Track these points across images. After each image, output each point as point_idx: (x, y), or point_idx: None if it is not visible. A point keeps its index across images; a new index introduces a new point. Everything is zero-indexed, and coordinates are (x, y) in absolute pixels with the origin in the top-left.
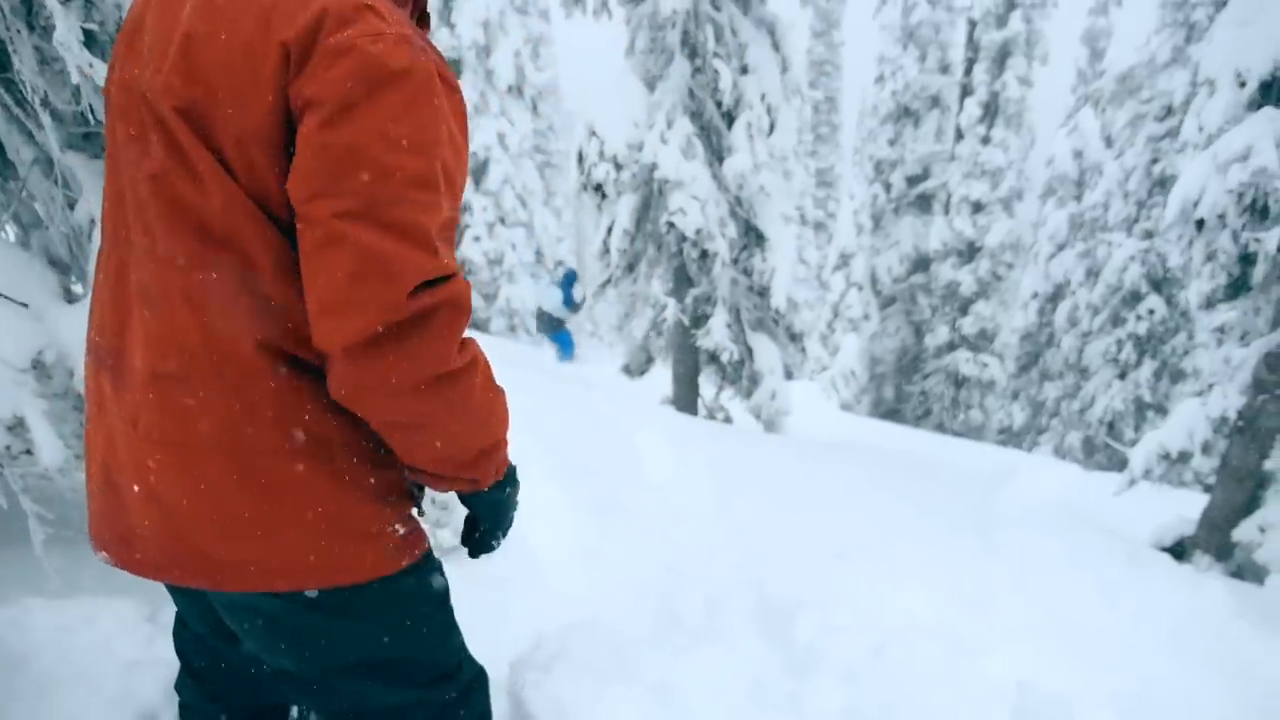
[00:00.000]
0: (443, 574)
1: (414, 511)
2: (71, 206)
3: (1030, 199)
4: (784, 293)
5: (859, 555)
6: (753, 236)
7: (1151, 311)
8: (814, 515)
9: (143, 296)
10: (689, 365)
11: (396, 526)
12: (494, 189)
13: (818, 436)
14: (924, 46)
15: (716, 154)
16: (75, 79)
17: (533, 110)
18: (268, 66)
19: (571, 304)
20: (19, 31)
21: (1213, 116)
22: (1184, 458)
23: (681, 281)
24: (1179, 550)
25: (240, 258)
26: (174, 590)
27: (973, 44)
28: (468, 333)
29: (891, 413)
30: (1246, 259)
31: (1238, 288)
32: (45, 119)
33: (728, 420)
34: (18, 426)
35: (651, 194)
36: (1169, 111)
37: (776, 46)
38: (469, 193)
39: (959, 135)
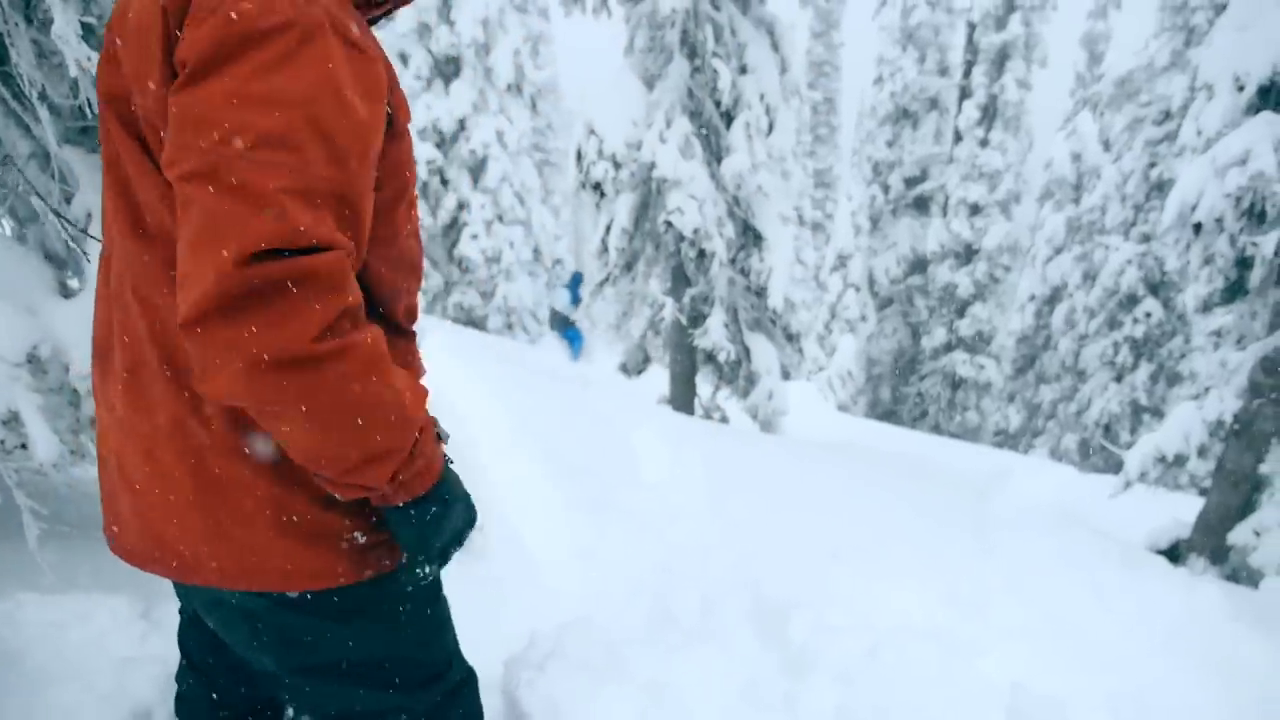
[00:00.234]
0: (432, 585)
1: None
2: (69, 200)
3: (1028, 202)
4: (781, 293)
5: (854, 556)
6: (750, 236)
7: (1148, 315)
8: (809, 515)
9: (118, 291)
10: (686, 365)
11: (356, 535)
12: (492, 187)
13: (814, 437)
14: (923, 48)
15: (715, 154)
16: (73, 72)
17: (531, 108)
18: (154, 38)
19: (579, 302)
20: (17, 24)
21: (1211, 120)
22: (1180, 461)
23: (679, 281)
24: (1174, 553)
25: (170, 250)
26: (175, 583)
27: (972, 46)
28: (471, 331)
29: (888, 414)
30: (1244, 263)
31: (1234, 291)
32: (43, 113)
33: (724, 420)
34: (12, 421)
35: (650, 193)
36: (1167, 115)
37: (775, 47)
38: (467, 190)
39: (957, 137)
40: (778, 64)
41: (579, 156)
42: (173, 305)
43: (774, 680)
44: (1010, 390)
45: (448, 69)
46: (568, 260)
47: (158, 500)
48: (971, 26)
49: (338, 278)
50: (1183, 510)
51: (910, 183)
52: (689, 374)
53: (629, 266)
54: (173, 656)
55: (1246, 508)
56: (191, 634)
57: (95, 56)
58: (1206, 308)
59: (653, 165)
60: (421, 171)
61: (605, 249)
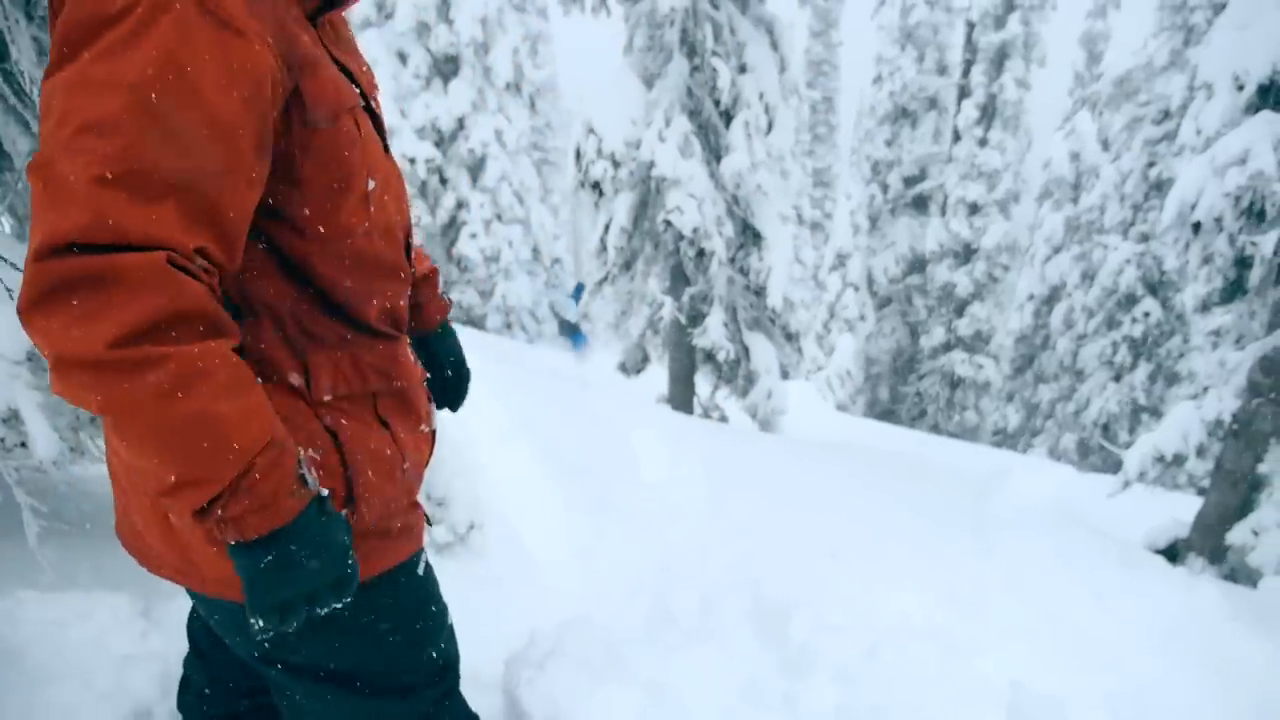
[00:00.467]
0: (418, 589)
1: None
2: None
3: (1027, 201)
4: (780, 292)
5: (853, 555)
6: (750, 235)
7: (1147, 314)
8: (809, 515)
9: None
10: (685, 364)
11: None
12: (491, 186)
13: (813, 436)
14: (922, 47)
15: (714, 153)
16: None
17: (530, 107)
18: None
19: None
20: (17, 21)
21: (1210, 120)
22: (1178, 460)
23: (678, 280)
24: (1172, 552)
25: None
26: None
27: (971, 45)
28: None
29: (887, 413)
30: (1243, 262)
31: (1233, 291)
32: None
33: (723, 419)
34: (12, 419)
35: (649, 192)
36: (1166, 115)
37: (775, 46)
38: (465, 189)
39: (956, 137)
40: (777, 63)
41: (578, 155)
42: None
43: (773, 680)
44: (1009, 390)
45: (446, 68)
46: (566, 260)
47: (131, 495)
48: (970, 26)
49: (154, 279)
50: (1181, 510)
51: (909, 182)
52: (688, 373)
53: (628, 265)
54: (173, 655)
55: (1245, 507)
56: (198, 622)
57: None
58: (1205, 307)
59: (652, 164)
60: (420, 170)
61: (604, 248)
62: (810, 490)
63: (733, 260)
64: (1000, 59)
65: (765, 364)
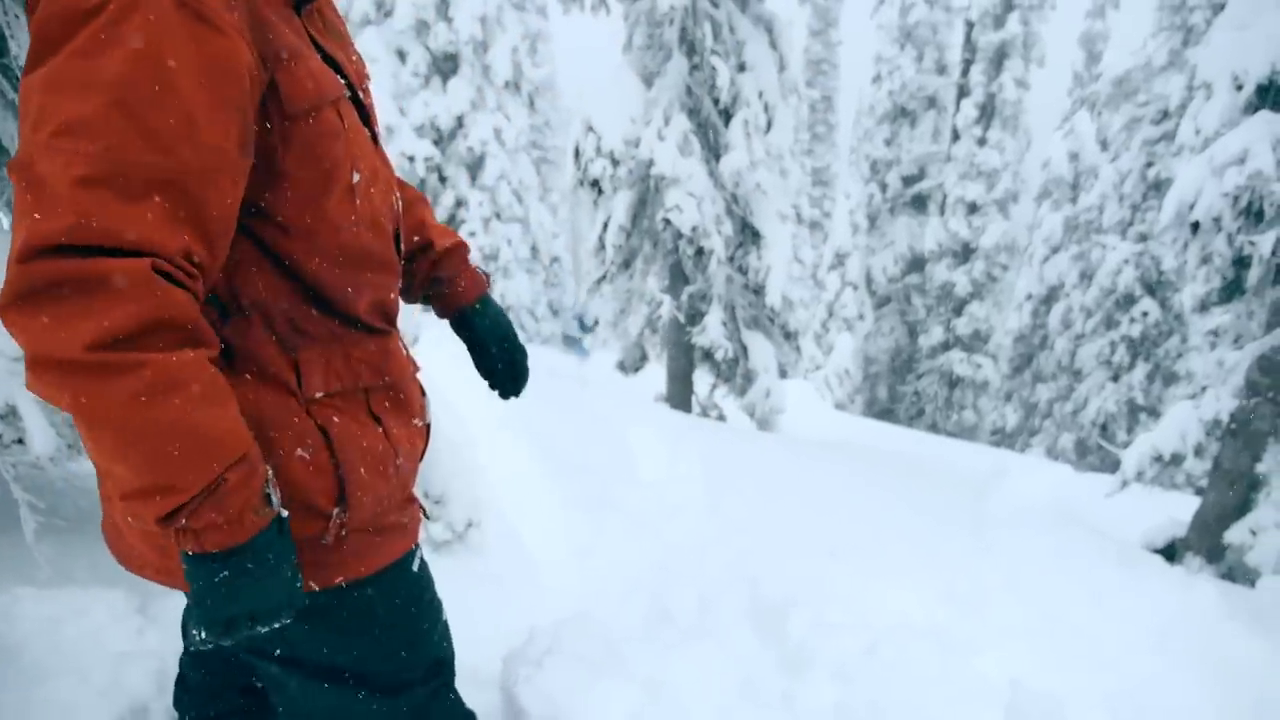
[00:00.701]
0: (413, 585)
1: (327, 537)
2: None
3: (1025, 201)
4: (779, 291)
5: (852, 554)
6: (749, 234)
7: (1145, 314)
8: (807, 513)
9: None
10: (683, 362)
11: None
12: (490, 184)
13: (811, 435)
14: (921, 47)
15: (713, 151)
16: None
17: (529, 106)
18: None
19: (585, 328)
20: (16, 16)
21: (1209, 120)
22: (1176, 460)
23: (677, 278)
24: (1170, 552)
25: None
26: None
27: (970, 45)
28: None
29: (885, 412)
30: (1241, 262)
31: (1232, 291)
32: None
33: (722, 418)
34: (10, 415)
35: (648, 190)
36: (1165, 115)
37: (774, 44)
38: (465, 188)
39: (955, 136)
40: (776, 62)
41: (577, 154)
42: None
43: (772, 678)
44: (1007, 389)
45: (446, 66)
46: (565, 258)
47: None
48: (970, 25)
49: (136, 285)
50: (1179, 509)
51: (908, 181)
52: (686, 372)
53: (627, 264)
54: (169, 651)
55: (1243, 507)
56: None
57: None
58: (1204, 307)
59: (651, 163)
60: (419, 168)
61: (603, 246)
62: (808, 489)
63: (731, 259)
64: (999, 58)
65: (764, 363)
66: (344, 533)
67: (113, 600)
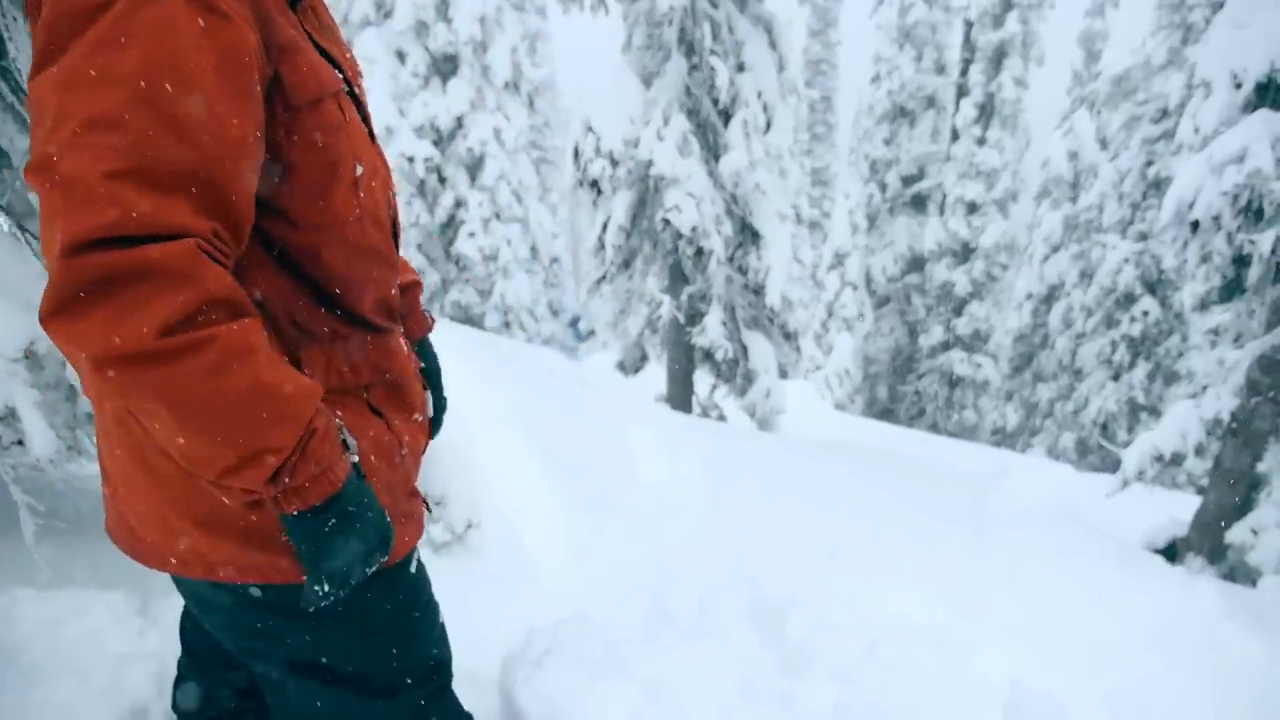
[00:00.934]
0: (410, 586)
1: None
2: None
3: (1025, 200)
4: (779, 291)
5: (852, 554)
6: (748, 234)
7: (1145, 313)
8: (807, 514)
9: None
10: (684, 363)
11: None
12: (489, 184)
13: (811, 435)
14: (920, 47)
15: (713, 151)
16: None
17: (529, 106)
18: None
19: (580, 337)
20: (15, 19)
21: (1208, 118)
22: (1177, 459)
23: (677, 279)
24: (1171, 552)
25: None
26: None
27: (969, 44)
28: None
29: (885, 412)
30: (1241, 261)
31: (1232, 290)
32: None
33: (722, 418)
34: (9, 417)
35: (647, 190)
36: (1164, 114)
37: (773, 44)
38: (464, 188)
39: (954, 136)
40: (775, 62)
41: (576, 154)
42: None
43: (771, 678)
44: (1008, 389)
45: (445, 67)
46: (565, 258)
47: (121, 488)
48: (969, 25)
49: (186, 267)
50: (1180, 509)
51: (907, 181)
52: (686, 372)
53: (626, 264)
54: (169, 653)
55: (1244, 506)
56: (190, 622)
57: None
58: (1204, 306)
59: (650, 163)
60: (419, 169)
61: (602, 247)
62: (808, 489)
63: (731, 259)
64: (998, 58)
65: (764, 363)
66: None
67: (113, 602)
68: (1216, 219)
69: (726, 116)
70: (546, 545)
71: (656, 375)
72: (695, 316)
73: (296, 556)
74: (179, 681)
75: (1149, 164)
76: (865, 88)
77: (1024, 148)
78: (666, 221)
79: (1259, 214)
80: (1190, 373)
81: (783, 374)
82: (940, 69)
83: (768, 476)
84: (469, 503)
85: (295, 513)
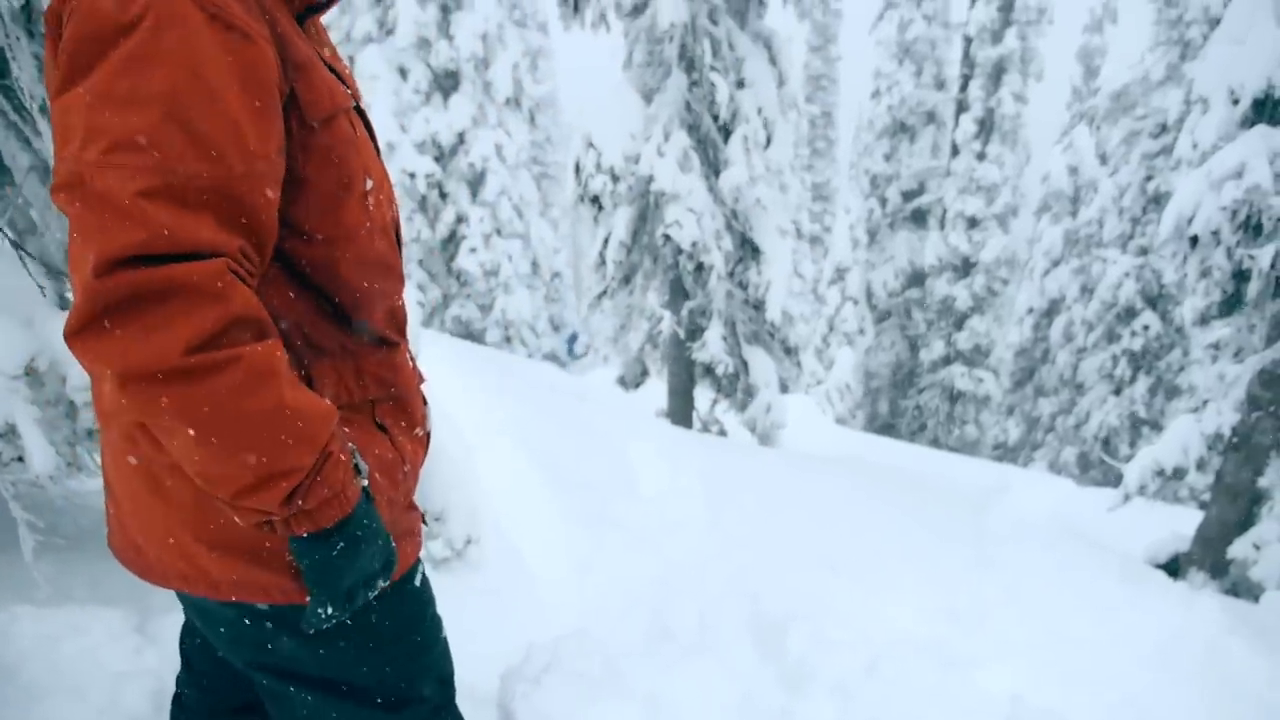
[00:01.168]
0: (415, 600)
1: None
2: None
3: (1025, 215)
4: (779, 306)
5: (853, 569)
6: (748, 249)
7: (1146, 328)
8: (808, 529)
9: None
10: (684, 378)
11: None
12: (491, 200)
13: (812, 450)
14: (920, 62)
15: (713, 167)
16: None
17: (530, 122)
18: (51, 46)
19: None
20: (18, 38)
21: (1206, 134)
22: (1179, 474)
23: (677, 294)
24: (1173, 567)
25: None
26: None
27: (968, 60)
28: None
29: (886, 427)
30: (1241, 275)
31: (1232, 304)
32: (43, 126)
33: (722, 433)
34: (9, 433)
35: (648, 206)
36: (1163, 129)
37: (773, 61)
38: (465, 203)
39: (954, 151)
40: (775, 78)
41: (577, 170)
42: None
43: (771, 694)
44: (1009, 403)
45: (447, 83)
46: (566, 273)
47: (126, 503)
48: (968, 41)
49: (214, 286)
50: (1182, 523)
51: (908, 196)
52: (687, 387)
53: (627, 279)
54: (167, 671)
55: (1246, 521)
56: (190, 637)
57: None
58: (1204, 320)
59: (651, 178)
60: (420, 184)
61: (603, 262)
62: (809, 504)
63: (731, 274)
64: (998, 74)
65: (764, 378)
66: None
67: (111, 619)
68: (1216, 234)
69: (727, 132)
70: (546, 560)
71: (657, 390)
72: (696, 331)
73: (301, 577)
74: (178, 697)
75: (1149, 179)
76: (865, 103)
77: (1024, 163)
78: (667, 237)
79: (1258, 229)
80: (1192, 387)
81: (783, 389)
82: (940, 84)
83: (768, 491)
84: (469, 517)
85: (305, 534)
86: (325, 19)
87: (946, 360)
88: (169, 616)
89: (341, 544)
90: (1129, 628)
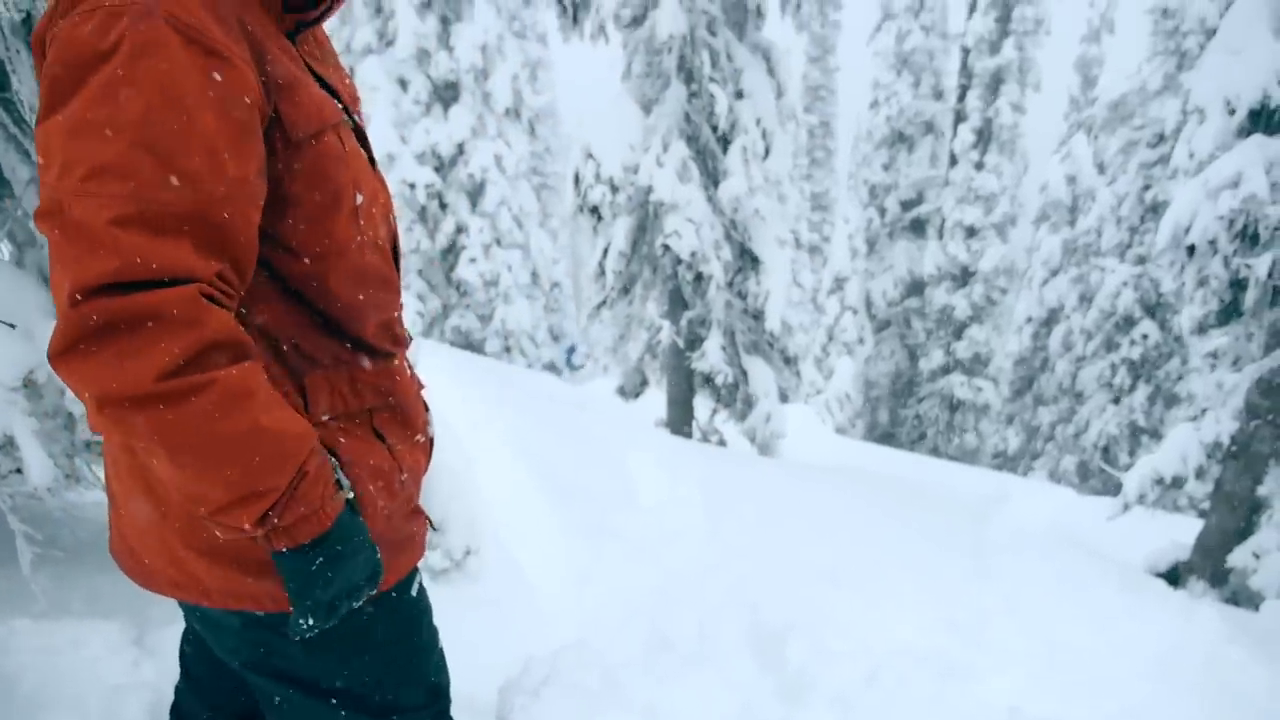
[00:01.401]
0: (412, 610)
1: None
2: None
3: (1024, 224)
4: (778, 316)
5: (852, 579)
6: (747, 259)
7: (1145, 336)
8: (807, 539)
9: None
10: (683, 388)
11: None
12: (490, 210)
13: (812, 460)
14: (918, 73)
15: (712, 177)
16: None
17: (530, 133)
18: (38, 73)
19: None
20: (18, 51)
21: (1203, 143)
22: (1178, 482)
23: (676, 304)
24: (1173, 576)
25: None
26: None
27: (966, 71)
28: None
29: (886, 436)
30: (1238, 284)
31: (1229, 313)
32: None
33: (722, 443)
34: (7, 445)
35: (647, 216)
36: (1161, 138)
37: (772, 72)
38: (465, 214)
39: (953, 161)
40: (774, 88)
41: (577, 180)
42: None
43: (771, 705)
44: (1008, 412)
45: (446, 94)
46: (565, 284)
47: (124, 510)
48: (965, 51)
49: (188, 312)
50: (1182, 532)
51: (906, 206)
52: (686, 397)
53: (626, 289)
54: (165, 684)
55: (1246, 529)
56: (190, 645)
57: None
58: (1202, 329)
59: (650, 189)
60: (420, 195)
61: (602, 272)
62: (809, 514)
63: (731, 284)
64: (995, 84)
65: (764, 387)
66: None
67: (109, 632)
68: (1213, 243)
69: (725, 143)
70: (545, 571)
71: (656, 400)
72: (695, 341)
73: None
74: (175, 707)
75: (1146, 188)
76: (864, 113)
77: (1022, 172)
78: (666, 247)
79: (1254, 238)
80: (1190, 395)
81: (783, 398)
82: (938, 95)
83: (768, 501)
84: (468, 527)
85: (284, 549)
86: (324, 29)
87: (946, 369)
88: (167, 629)
89: (320, 559)
90: (1128, 637)
